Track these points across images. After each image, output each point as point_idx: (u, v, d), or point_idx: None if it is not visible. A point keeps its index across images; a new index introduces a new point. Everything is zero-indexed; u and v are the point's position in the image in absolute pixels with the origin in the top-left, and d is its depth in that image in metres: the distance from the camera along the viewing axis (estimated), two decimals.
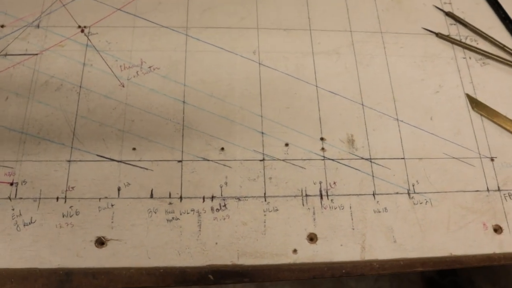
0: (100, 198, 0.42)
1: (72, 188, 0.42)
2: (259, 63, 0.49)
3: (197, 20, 0.51)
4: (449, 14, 0.54)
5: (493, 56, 0.51)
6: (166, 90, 0.47)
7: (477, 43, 0.53)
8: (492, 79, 0.51)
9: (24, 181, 0.42)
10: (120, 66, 0.47)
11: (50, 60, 0.47)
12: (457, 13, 0.54)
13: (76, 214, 0.41)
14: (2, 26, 0.48)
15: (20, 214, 0.41)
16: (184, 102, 0.46)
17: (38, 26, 0.49)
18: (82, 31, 0.49)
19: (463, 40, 0.53)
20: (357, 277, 0.99)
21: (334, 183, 0.44)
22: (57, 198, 0.42)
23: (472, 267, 0.44)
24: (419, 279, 1.02)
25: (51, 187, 0.42)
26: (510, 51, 0.52)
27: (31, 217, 0.41)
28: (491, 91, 0.50)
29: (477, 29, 0.53)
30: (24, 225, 0.41)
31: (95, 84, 0.46)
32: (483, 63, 0.52)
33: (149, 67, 0.48)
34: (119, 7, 0.50)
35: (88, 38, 0.48)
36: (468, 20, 0.54)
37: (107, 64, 0.47)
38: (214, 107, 0.46)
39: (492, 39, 0.52)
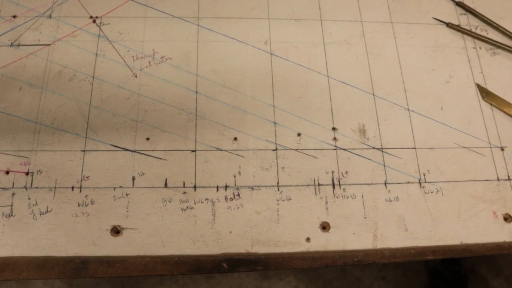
0: (115, 188, 0.42)
1: (87, 177, 0.43)
2: (271, 53, 0.49)
3: (208, 10, 0.51)
4: (459, 4, 0.54)
5: (503, 46, 0.51)
6: (178, 80, 0.47)
7: (487, 33, 0.53)
8: (502, 69, 0.51)
9: (39, 171, 0.42)
10: (133, 56, 0.47)
11: (62, 51, 0.47)
12: (467, 2, 0.54)
13: (92, 203, 0.42)
14: (14, 17, 0.49)
15: (36, 203, 0.41)
16: (196, 92, 0.46)
17: (50, 17, 0.49)
18: (94, 21, 0.49)
19: (473, 30, 0.53)
20: (362, 266, 1.00)
21: (346, 172, 0.45)
22: (73, 188, 0.42)
23: (480, 255, 0.45)
24: (423, 269, 1.03)
25: (66, 177, 0.42)
26: None
27: (47, 206, 0.41)
28: (501, 81, 0.50)
29: (488, 18, 0.53)
30: (41, 214, 0.41)
31: (108, 75, 0.47)
32: (493, 53, 0.52)
33: (162, 57, 0.48)
34: None
35: (100, 29, 0.48)
36: (479, 9, 0.54)
37: (120, 55, 0.47)
38: (227, 97, 0.46)
39: (502, 29, 0.52)
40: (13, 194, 0.42)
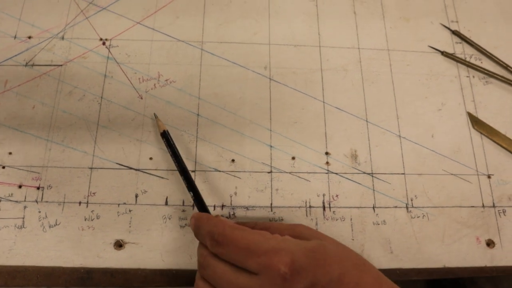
0: (119, 204, 0.45)
1: (94, 193, 0.46)
2: (270, 78, 0.51)
3: (212, 35, 0.53)
4: (455, 33, 0.55)
5: (495, 76, 0.53)
6: (181, 102, 0.49)
7: (481, 62, 0.54)
8: (493, 98, 0.53)
9: (49, 186, 0.46)
10: (139, 78, 0.50)
11: (73, 71, 0.50)
12: (463, 31, 0.56)
13: (97, 218, 0.45)
14: (30, 37, 0.52)
15: (46, 217, 0.45)
16: (198, 114, 0.49)
17: (62, 38, 0.52)
18: (104, 43, 0.51)
19: (468, 59, 0.54)
20: None
21: (337, 195, 0.47)
22: (80, 203, 0.45)
23: (464, 277, 0.47)
24: (422, 279, 1.04)
25: (74, 192, 0.46)
26: None
27: (56, 220, 0.45)
28: (492, 109, 0.52)
29: (482, 48, 0.54)
30: (50, 227, 0.44)
31: (115, 95, 0.49)
32: (486, 82, 0.53)
33: (166, 80, 0.50)
34: (139, 20, 0.53)
35: (109, 51, 0.51)
36: (474, 38, 0.55)
37: (127, 76, 0.50)
38: (226, 120, 0.49)
39: (496, 59, 0.54)
40: (25, 207, 0.45)
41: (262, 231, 0.36)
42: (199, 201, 0.42)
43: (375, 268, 0.37)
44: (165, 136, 0.45)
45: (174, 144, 0.45)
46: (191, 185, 0.42)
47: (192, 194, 0.42)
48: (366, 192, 0.47)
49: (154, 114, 0.48)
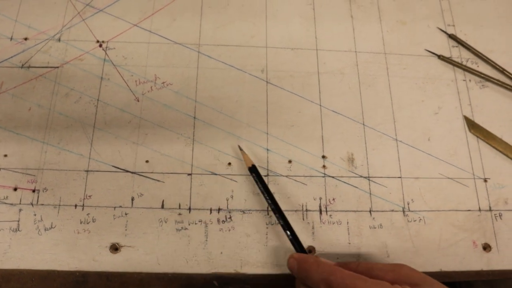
0: (115, 207, 0.45)
1: (89, 196, 0.45)
2: (267, 82, 0.51)
3: (209, 37, 0.53)
4: (451, 36, 0.56)
5: (492, 79, 0.53)
6: (178, 105, 0.49)
7: (478, 66, 0.55)
8: (490, 101, 0.53)
9: (45, 189, 0.45)
10: (136, 81, 0.50)
11: (70, 73, 0.50)
12: (460, 35, 0.56)
13: (93, 221, 0.45)
14: (26, 39, 0.51)
15: (42, 220, 0.44)
16: (194, 117, 0.49)
17: (59, 40, 0.52)
18: (100, 45, 0.51)
19: (464, 62, 0.54)
20: None
21: (333, 199, 0.47)
22: (75, 206, 0.45)
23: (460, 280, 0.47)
24: None
25: (70, 195, 0.45)
26: (509, 74, 0.53)
27: (52, 223, 0.44)
28: (488, 113, 0.52)
29: (478, 52, 0.55)
30: (45, 230, 0.44)
31: (111, 98, 0.49)
32: (482, 85, 0.54)
33: (163, 82, 0.50)
34: (136, 22, 0.53)
35: (106, 53, 0.51)
36: (470, 42, 0.55)
37: (123, 79, 0.50)
38: (223, 123, 0.49)
39: (492, 62, 0.54)
40: (20, 210, 0.45)
41: (383, 281, 0.35)
42: (297, 241, 0.42)
43: None
44: (255, 171, 0.45)
45: (263, 179, 0.45)
46: (286, 224, 0.42)
47: (288, 233, 0.42)
48: (362, 195, 0.47)
49: (239, 146, 0.47)
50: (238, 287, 0.45)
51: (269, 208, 0.46)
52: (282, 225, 0.42)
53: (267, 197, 0.43)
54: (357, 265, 0.39)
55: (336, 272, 0.36)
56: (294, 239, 0.42)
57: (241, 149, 0.47)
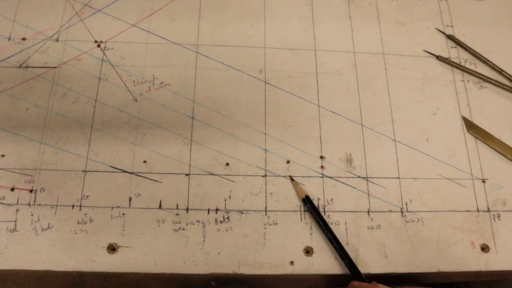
0: (112, 207, 0.45)
1: (87, 196, 0.45)
2: (265, 82, 0.51)
3: (207, 38, 0.53)
4: (450, 37, 0.56)
5: (490, 80, 0.53)
6: (176, 106, 0.49)
7: (476, 66, 0.54)
8: (488, 102, 0.53)
9: (42, 189, 0.45)
10: (134, 81, 0.50)
11: (68, 73, 0.50)
12: (458, 36, 0.56)
13: (90, 222, 0.44)
14: (24, 39, 0.51)
15: (39, 220, 0.44)
16: (192, 118, 0.49)
17: (57, 40, 0.51)
18: (99, 46, 0.51)
19: (463, 63, 0.54)
20: None
21: (331, 199, 0.47)
22: (73, 206, 0.45)
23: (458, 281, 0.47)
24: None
25: (68, 195, 0.45)
26: (508, 75, 0.53)
27: (49, 223, 0.44)
28: (486, 114, 0.52)
29: (477, 52, 0.55)
30: (42, 230, 0.44)
31: (109, 98, 0.49)
32: (481, 86, 0.53)
33: (161, 83, 0.50)
34: (134, 23, 0.53)
35: (104, 53, 0.51)
36: (469, 43, 0.55)
37: (121, 79, 0.50)
38: (221, 123, 0.49)
39: (490, 63, 0.54)
40: (17, 210, 0.44)
41: None
42: (355, 269, 0.43)
43: None
44: (309, 202, 0.45)
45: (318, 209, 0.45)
46: (345, 253, 0.43)
47: (347, 261, 0.43)
48: (361, 196, 0.47)
49: (290, 177, 0.47)
50: None
51: (267, 208, 0.46)
52: (340, 255, 0.43)
53: (324, 228, 0.44)
54: None
55: None
56: (353, 268, 0.42)
57: (292, 180, 0.47)
